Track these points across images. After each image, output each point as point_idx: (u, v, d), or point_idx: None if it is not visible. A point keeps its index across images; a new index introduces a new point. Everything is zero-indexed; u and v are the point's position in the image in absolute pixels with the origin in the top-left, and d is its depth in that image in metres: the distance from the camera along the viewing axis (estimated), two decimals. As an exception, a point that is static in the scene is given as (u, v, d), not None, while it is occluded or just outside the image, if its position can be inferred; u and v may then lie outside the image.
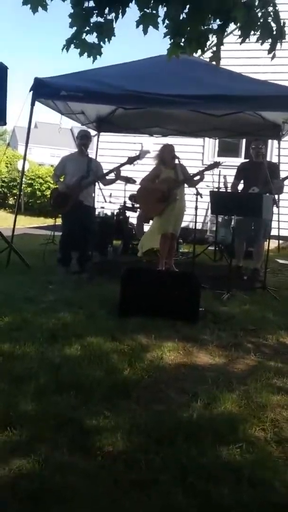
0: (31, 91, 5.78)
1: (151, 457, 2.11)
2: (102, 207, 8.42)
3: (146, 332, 3.74)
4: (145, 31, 2.43)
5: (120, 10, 2.43)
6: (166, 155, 5.86)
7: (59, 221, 6.64)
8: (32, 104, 5.88)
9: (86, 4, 2.42)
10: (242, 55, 9.65)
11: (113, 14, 2.44)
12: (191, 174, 5.91)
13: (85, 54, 2.57)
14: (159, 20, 2.43)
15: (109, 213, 8.55)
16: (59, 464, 2.01)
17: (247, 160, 7.14)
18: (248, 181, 6.11)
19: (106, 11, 2.43)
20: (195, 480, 1.95)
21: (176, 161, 5.85)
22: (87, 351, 3.29)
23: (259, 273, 6.01)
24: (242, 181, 6.29)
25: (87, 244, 5.97)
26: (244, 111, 6.74)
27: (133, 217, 8.50)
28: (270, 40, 2.48)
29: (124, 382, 2.82)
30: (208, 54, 2.75)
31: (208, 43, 2.51)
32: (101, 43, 2.55)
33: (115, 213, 8.42)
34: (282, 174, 6.06)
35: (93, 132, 8.29)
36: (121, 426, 2.34)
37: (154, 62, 6.39)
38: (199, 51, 2.55)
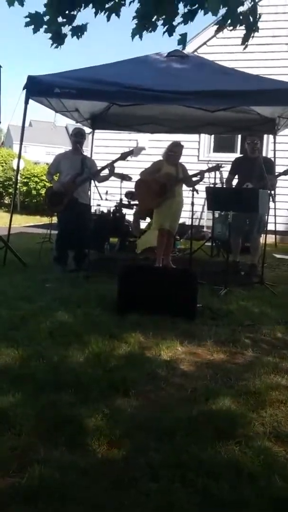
0: (25, 89, 5.75)
1: (151, 454, 2.10)
2: (98, 205, 8.40)
3: (144, 329, 3.73)
4: (108, 18, 2.55)
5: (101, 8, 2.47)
6: (170, 153, 5.87)
7: (54, 219, 6.62)
8: (26, 102, 5.84)
9: None
10: (234, 50, 9.66)
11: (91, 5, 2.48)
12: (191, 174, 5.92)
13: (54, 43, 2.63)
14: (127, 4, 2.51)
15: (105, 211, 8.54)
16: (58, 463, 2.00)
17: (242, 155, 7.13)
18: (243, 176, 6.11)
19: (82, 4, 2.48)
20: (195, 477, 1.95)
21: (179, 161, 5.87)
22: (85, 349, 3.28)
23: (256, 268, 6.02)
24: (236, 176, 6.28)
25: (83, 242, 5.96)
26: (239, 107, 6.72)
27: (129, 214, 8.48)
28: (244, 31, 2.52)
29: (123, 380, 2.81)
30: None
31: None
32: (71, 34, 2.60)
33: (111, 211, 8.40)
34: (278, 169, 6.06)
35: (87, 130, 8.26)
36: (120, 423, 2.34)
37: (147, 60, 6.38)
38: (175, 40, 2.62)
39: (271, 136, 8.69)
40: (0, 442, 2.15)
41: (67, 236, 5.88)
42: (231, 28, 2.60)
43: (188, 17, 2.56)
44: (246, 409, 2.56)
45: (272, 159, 7.18)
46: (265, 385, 2.85)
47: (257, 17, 2.57)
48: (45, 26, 2.57)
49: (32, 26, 2.59)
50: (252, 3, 2.49)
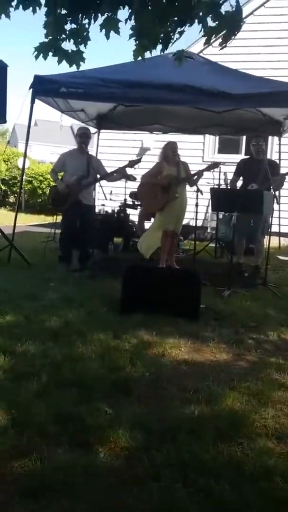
0: (31, 89, 5.77)
1: (153, 453, 2.11)
2: (103, 205, 8.42)
3: (147, 329, 3.74)
4: (107, 36, 2.46)
5: (93, 16, 2.43)
6: (169, 152, 5.87)
7: (59, 218, 6.63)
8: (32, 102, 5.86)
9: (58, 11, 2.42)
10: (239, 51, 9.66)
11: (87, 20, 2.44)
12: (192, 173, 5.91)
13: (63, 61, 2.59)
14: (124, 22, 2.44)
15: (109, 211, 8.55)
16: (61, 461, 2.02)
17: (247, 156, 7.13)
18: (248, 178, 6.11)
19: (80, 16, 2.44)
20: (197, 477, 1.96)
21: (180, 159, 5.86)
22: (88, 348, 3.30)
23: (260, 270, 6.01)
24: (241, 178, 6.28)
25: (87, 242, 5.97)
26: (245, 108, 6.73)
27: (133, 214, 8.49)
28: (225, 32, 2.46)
29: (126, 379, 2.83)
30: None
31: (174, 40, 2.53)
32: (80, 48, 2.56)
33: (115, 211, 8.41)
34: (283, 171, 6.06)
35: (93, 130, 8.28)
36: (122, 422, 2.35)
37: (154, 62, 6.38)
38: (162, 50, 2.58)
39: (276, 138, 8.70)
40: (4, 440, 2.16)
41: (70, 236, 5.89)
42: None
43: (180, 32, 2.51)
44: (248, 410, 2.57)
45: (277, 160, 7.17)
46: (268, 386, 2.86)
47: (241, 18, 2.49)
48: (51, 52, 2.55)
49: (41, 55, 2.57)
50: (236, 3, 2.42)
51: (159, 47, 2.53)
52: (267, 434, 2.35)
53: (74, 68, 2.66)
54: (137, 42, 2.47)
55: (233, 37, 2.46)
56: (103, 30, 2.44)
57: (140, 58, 2.54)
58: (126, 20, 2.40)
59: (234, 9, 2.36)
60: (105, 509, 1.81)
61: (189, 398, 2.69)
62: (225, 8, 2.40)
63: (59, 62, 2.57)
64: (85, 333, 3.57)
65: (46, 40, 2.50)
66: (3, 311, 3.96)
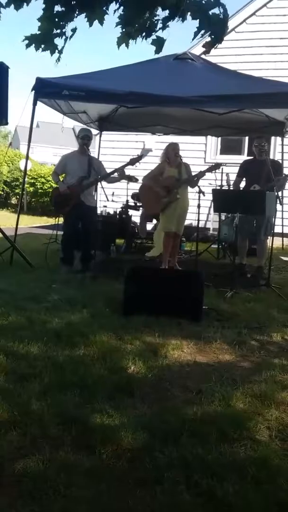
0: (33, 91, 5.78)
1: (156, 455, 2.10)
2: (105, 206, 8.42)
3: (150, 330, 3.73)
4: (90, 24, 2.48)
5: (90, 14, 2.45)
6: (170, 154, 5.86)
7: (61, 220, 6.64)
8: (34, 104, 5.87)
9: (56, 9, 2.44)
10: (241, 52, 9.67)
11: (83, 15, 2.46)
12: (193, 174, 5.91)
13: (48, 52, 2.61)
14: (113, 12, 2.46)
15: (111, 212, 8.55)
16: (64, 463, 2.01)
17: (250, 157, 7.13)
18: (251, 179, 6.10)
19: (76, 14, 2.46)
20: (200, 478, 1.95)
21: (182, 160, 5.86)
22: (91, 349, 3.29)
23: (263, 271, 6.00)
24: (244, 179, 6.28)
25: (89, 244, 5.97)
26: (247, 109, 6.72)
27: (135, 215, 8.49)
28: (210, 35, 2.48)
29: (128, 380, 2.82)
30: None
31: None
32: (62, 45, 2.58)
33: (117, 212, 8.41)
34: (286, 171, 6.05)
35: (95, 131, 8.29)
36: (125, 424, 2.34)
37: (156, 63, 6.40)
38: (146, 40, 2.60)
39: (278, 138, 8.69)
40: (7, 442, 2.16)
41: (73, 238, 5.89)
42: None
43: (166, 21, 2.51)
44: (251, 412, 2.55)
45: (280, 161, 7.16)
46: (271, 387, 2.84)
47: (226, 27, 2.50)
48: (43, 45, 2.57)
49: (33, 45, 2.59)
50: (223, 10, 2.43)
51: (142, 39, 2.56)
52: (271, 435, 2.34)
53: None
54: (123, 30, 2.49)
55: (219, 43, 2.48)
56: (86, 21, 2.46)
57: (124, 45, 2.56)
58: (115, 11, 2.42)
59: (221, 15, 2.38)
60: (108, 511, 1.80)
61: (192, 399, 2.68)
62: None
63: (52, 54, 2.60)
64: (88, 335, 3.56)
65: (39, 32, 2.53)
66: (6, 313, 3.96)
